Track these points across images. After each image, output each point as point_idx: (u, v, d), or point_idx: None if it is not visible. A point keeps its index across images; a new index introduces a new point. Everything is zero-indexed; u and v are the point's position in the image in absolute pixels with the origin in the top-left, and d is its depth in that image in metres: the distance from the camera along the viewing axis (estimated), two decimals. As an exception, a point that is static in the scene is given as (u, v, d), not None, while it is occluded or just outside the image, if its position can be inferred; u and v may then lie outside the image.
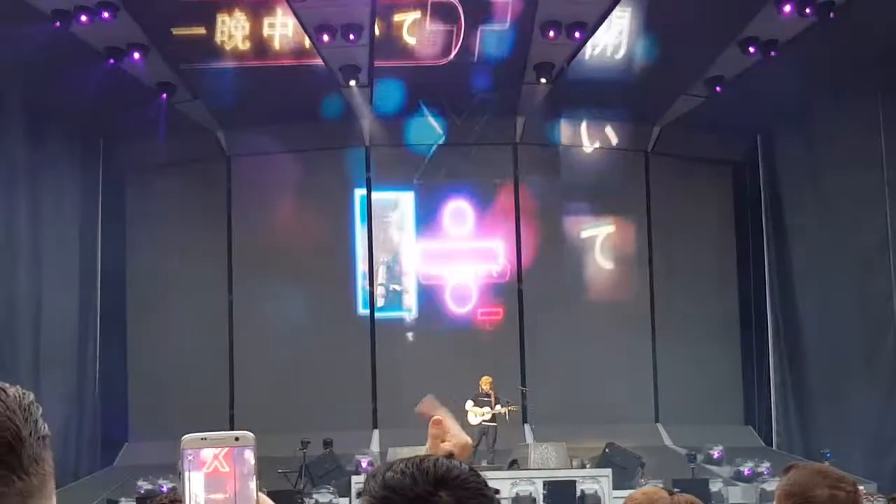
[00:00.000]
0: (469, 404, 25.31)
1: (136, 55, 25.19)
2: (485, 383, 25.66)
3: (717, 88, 28.03)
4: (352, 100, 28.67)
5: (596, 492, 23.50)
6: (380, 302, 31.11)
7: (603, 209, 31.03)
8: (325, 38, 25.08)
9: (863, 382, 28.10)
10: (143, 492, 24.59)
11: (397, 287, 31.25)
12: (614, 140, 30.79)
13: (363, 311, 31.05)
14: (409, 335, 31.03)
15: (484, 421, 25.24)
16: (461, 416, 25.12)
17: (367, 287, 31.05)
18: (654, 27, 25.01)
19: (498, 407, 25.33)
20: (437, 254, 31.23)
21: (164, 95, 27.33)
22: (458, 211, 31.12)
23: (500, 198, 31.19)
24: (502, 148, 30.93)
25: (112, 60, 25.10)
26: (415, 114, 29.43)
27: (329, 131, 29.99)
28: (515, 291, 31.07)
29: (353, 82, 27.48)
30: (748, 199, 31.99)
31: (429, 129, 29.89)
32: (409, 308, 31.29)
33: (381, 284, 31.21)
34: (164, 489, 24.33)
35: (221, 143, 30.55)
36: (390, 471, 2.55)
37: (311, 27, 24.80)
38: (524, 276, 31.05)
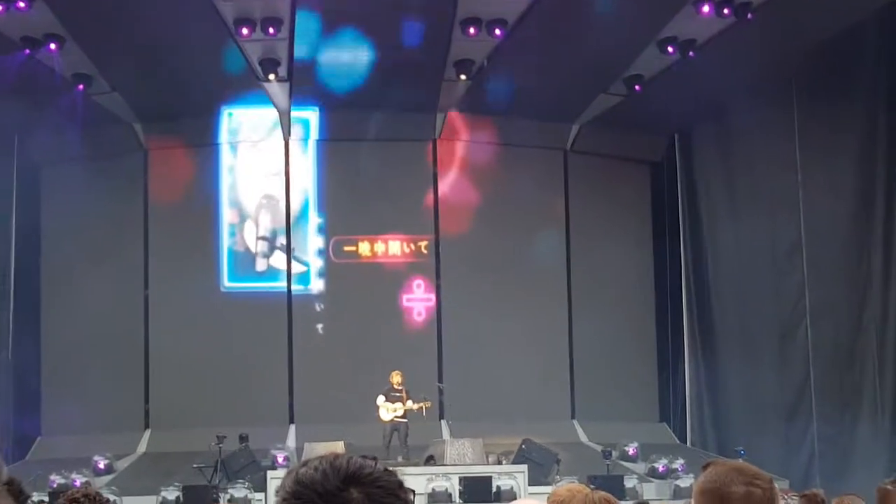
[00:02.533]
0: (381, 399, 25.18)
1: (53, 46, 24.80)
2: (395, 378, 25.51)
3: (637, 87, 28.15)
4: (271, 93, 28.53)
5: (512, 487, 23.56)
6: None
7: (521, 207, 31.01)
8: (245, 31, 24.93)
9: (775, 382, 28.53)
10: (55, 486, 24.29)
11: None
12: (533, 137, 30.81)
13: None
14: (319, 327, 30.86)
15: (396, 417, 25.15)
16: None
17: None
18: (573, 25, 25.04)
19: (410, 403, 25.21)
20: (353, 238, 31.18)
21: (81, 87, 26.96)
22: (375, 204, 30.97)
23: (418, 195, 31.13)
24: (422, 144, 30.93)
25: (27, 51, 24.74)
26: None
27: (249, 124, 29.83)
28: (434, 288, 31.07)
29: (272, 76, 27.33)
30: (665, 199, 32.19)
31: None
32: (320, 290, 31.13)
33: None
34: (77, 483, 24.12)
35: (139, 136, 30.23)
36: (304, 467, 2.61)
37: (231, 20, 24.65)
38: (442, 273, 31.05)
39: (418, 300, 31.13)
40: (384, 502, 2.59)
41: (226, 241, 30.85)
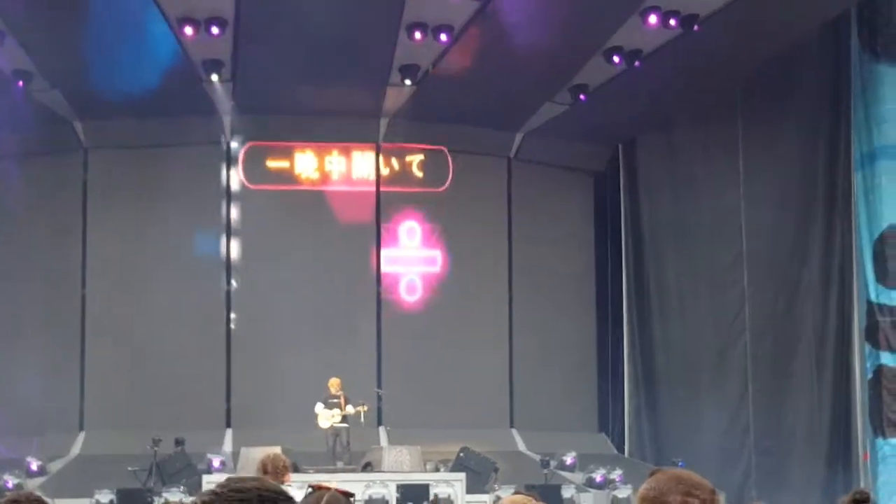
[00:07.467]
0: (319, 407, 25.12)
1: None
2: (333, 385, 25.48)
3: (581, 97, 28.17)
4: (213, 95, 28.28)
5: (450, 495, 23.52)
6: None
7: (463, 214, 30.92)
8: (189, 30, 24.68)
9: (713, 394, 28.69)
10: (-13, 488, 24.03)
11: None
12: (477, 145, 30.72)
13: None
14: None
15: (335, 423, 25.09)
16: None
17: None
18: (519, 33, 25.00)
19: (349, 408, 25.17)
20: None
21: (21, 83, 26.57)
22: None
23: (358, 202, 30.89)
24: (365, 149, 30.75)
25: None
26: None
27: (189, 127, 29.51)
28: (374, 295, 30.86)
29: (215, 77, 27.10)
30: (608, 209, 32.24)
31: None
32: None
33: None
34: (9, 484, 23.85)
35: (79, 134, 29.83)
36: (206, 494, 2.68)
37: (174, 19, 24.39)
38: (382, 279, 30.87)
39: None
40: None
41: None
